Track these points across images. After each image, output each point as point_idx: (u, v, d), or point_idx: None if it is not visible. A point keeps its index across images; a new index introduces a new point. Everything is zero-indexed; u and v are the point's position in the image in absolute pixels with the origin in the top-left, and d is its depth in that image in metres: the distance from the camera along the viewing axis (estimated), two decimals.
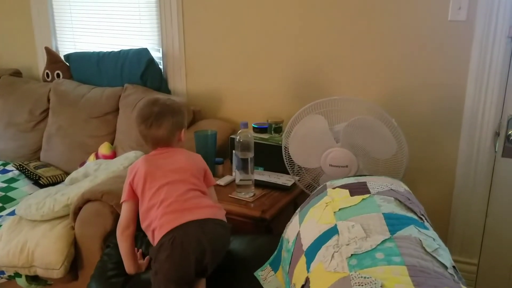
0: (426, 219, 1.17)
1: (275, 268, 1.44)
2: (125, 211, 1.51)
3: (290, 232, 1.33)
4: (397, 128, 1.66)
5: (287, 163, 1.87)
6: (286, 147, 1.83)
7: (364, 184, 1.28)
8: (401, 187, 1.30)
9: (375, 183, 1.28)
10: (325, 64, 2.16)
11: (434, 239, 1.04)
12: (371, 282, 0.89)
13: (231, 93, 2.44)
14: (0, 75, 2.87)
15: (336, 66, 2.14)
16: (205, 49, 2.44)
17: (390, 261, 0.94)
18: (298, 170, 1.87)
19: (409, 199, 1.21)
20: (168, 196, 1.43)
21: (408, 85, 2.03)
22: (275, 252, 1.48)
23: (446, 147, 2.02)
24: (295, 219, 1.35)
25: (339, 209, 1.17)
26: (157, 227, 1.40)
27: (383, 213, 1.11)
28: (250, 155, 1.77)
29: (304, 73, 2.23)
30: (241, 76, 2.39)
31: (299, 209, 1.41)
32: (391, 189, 1.24)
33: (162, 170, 1.48)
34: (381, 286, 0.87)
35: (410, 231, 1.04)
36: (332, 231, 1.10)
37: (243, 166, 1.78)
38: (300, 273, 1.09)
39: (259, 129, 2.14)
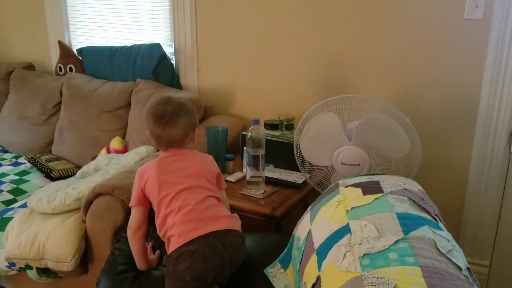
0: (440, 219, 1.15)
1: (285, 265, 1.44)
2: (136, 214, 1.47)
3: (301, 230, 1.32)
4: (411, 127, 1.64)
5: (298, 161, 1.86)
6: (297, 145, 1.82)
7: (377, 183, 1.26)
8: (415, 187, 1.28)
9: (388, 182, 1.27)
10: (337, 62, 2.15)
11: (448, 240, 1.02)
12: (384, 283, 0.87)
13: (242, 89, 2.43)
14: (13, 68, 2.89)
15: (348, 64, 2.12)
16: (217, 45, 2.43)
17: (404, 261, 0.92)
18: (309, 168, 1.86)
19: (423, 199, 1.19)
20: (186, 203, 1.38)
21: (422, 83, 2.00)
22: (285, 250, 1.47)
23: (459, 147, 2.00)
24: (306, 217, 1.34)
25: (352, 208, 1.16)
26: (174, 234, 1.35)
27: (396, 213, 1.09)
28: (261, 152, 1.77)
29: (315, 71, 2.21)
30: (253, 73, 2.38)
31: (310, 207, 1.40)
32: (405, 188, 1.23)
33: (177, 176, 1.43)
34: (394, 287, 0.86)
35: (424, 231, 1.03)
36: (344, 230, 1.09)
37: (254, 163, 1.77)
38: (311, 271, 1.09)
39: (271, 126, 2.13)
